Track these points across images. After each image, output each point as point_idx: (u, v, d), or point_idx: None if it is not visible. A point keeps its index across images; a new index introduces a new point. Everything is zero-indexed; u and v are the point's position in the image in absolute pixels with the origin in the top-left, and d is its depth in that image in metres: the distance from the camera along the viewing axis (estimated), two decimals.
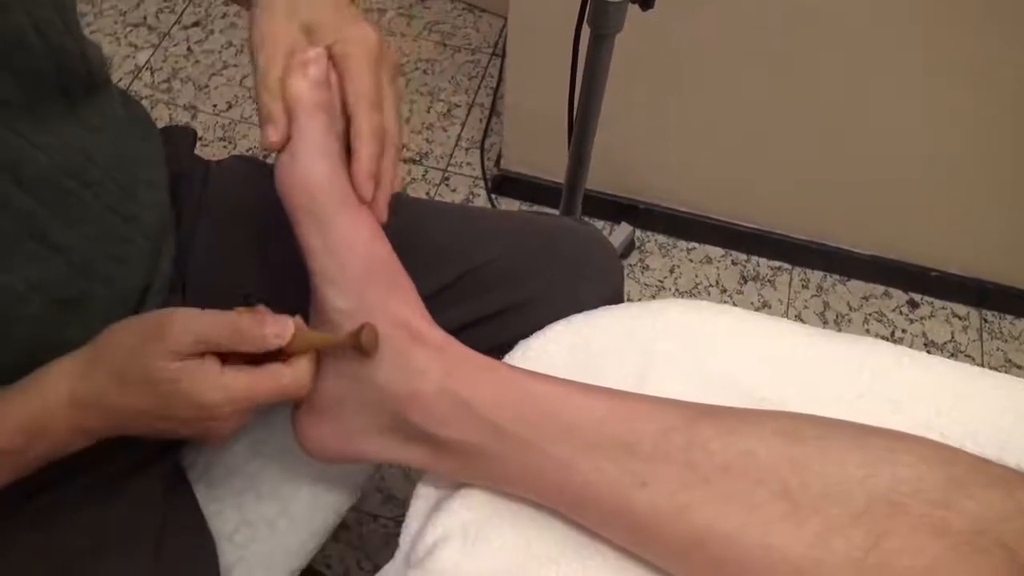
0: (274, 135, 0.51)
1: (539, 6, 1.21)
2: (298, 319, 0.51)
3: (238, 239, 0.69)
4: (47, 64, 0.52)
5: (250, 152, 1.59)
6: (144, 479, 0.62)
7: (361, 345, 0.49)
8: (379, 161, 0.53)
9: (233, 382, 0.48)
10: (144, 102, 1.63)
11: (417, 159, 1.59)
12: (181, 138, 0.73)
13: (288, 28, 0.53)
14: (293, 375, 0.50)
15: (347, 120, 0.53)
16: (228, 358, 0.49)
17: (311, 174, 0.51)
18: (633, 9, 0.84)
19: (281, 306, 0.55)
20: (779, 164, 1.34)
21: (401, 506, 1.24)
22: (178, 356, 0.47)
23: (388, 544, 1.20)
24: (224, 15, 1.79)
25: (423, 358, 0.50)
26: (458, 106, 1.67)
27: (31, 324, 0.53)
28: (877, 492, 0.42)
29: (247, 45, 0.56)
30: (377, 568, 0.55)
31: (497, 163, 1.54)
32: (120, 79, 1.68)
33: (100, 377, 0.49)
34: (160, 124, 0.70)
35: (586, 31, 0.88)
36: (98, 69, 0.58)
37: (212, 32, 1.78)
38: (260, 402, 0.49)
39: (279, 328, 0.49)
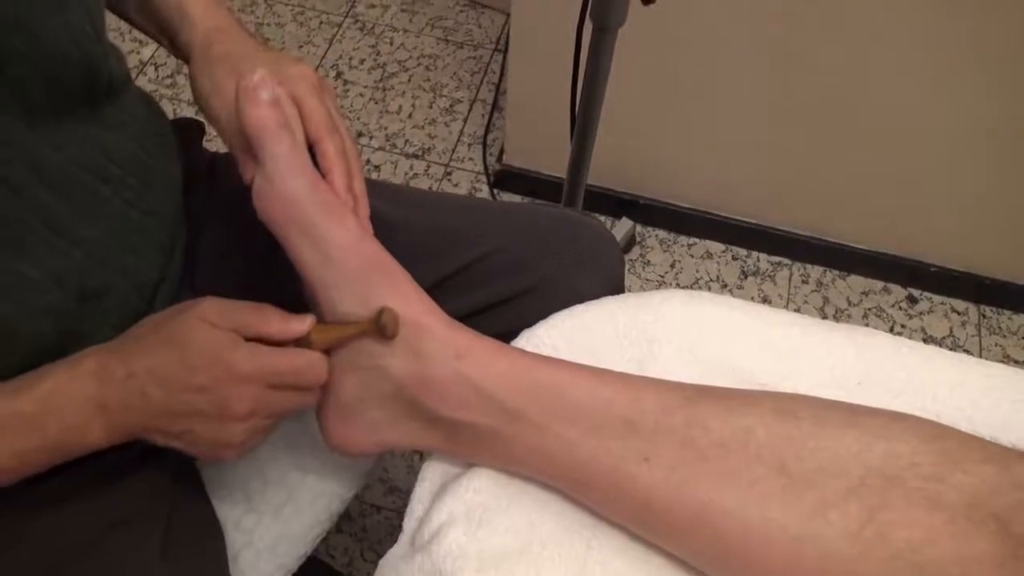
0: (250, 171, 0.54)
1: (541, 1, 1.22)
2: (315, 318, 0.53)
3: (245, 229, 0.70)
4: (78, 71, 0.54)
5: None
6: (152, 466, 0.63)
7: (382, 327, 0.50)
8: (350, 179, 0.55)
9: (255, 348, 0.51)
10: None
11: (419, 154, 1.60)
12: (189, 131, 0.74)
13: (233, 83, 0.55)
14: (310, 358, 0.52)
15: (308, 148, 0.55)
16: None
17: (291, 190, 0.52)
18: (635, 3, 0.85)
19: (292, 293, 0.56)
20: (779, 160, 1.35)
21: (404, 497, 1.25)
22: (208, 323, 0.50)
23: (391, 535, 1.21)
24: (228, 8, 1.80)
25: (433, 345, 0.51)
26: (460, 101, 1.68)
27: (50, 315, 0.54)
28: (872, 466, 0.43)
29: (194, 100, 0.59)
30: (380, 558, 0.56)
31: (499, 158, 1.55)
32: None
33: (129, 342, 0.52)
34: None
35: (588, 25, 0.89)
36: (119, 73, 0.60)
37: None
38: (280, 375, 0.51)
39: (299, 317, 0.52)
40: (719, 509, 0.44)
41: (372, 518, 1.24)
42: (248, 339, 0.51)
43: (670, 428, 0.47)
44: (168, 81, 1.69)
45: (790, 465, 0.44)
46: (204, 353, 0.49)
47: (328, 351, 0.53)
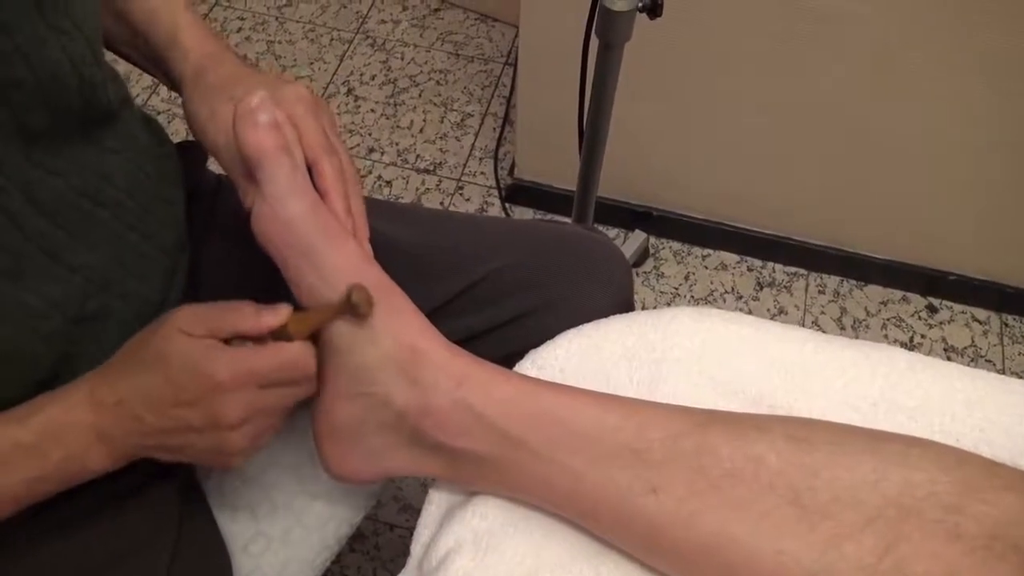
0: (250, 197, 0.53)
1: (550, 16, 1.21)
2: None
3: (248, 252, 0.69)
4: (78, 97, 0.53)
5: None
6: (159, 491, 0.63)
7: (353, 306, 0.49)
8: (348, 199, 0.54)
9: (235, 353, 0.49)
10: (160, 117, 1.65)
11: (431, 169, 1.60)
12: (193, 153, 0.74)
13: (229, 108, 0.54)
14: (292, 351, 0.50)
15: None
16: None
17: (291, 213, 0.51)
18: (642, 18, 0.84)
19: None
20: (793, 169, 1.34)
21: (417, 516, 1.24)
22: (184, 334, 0.49)
23: (405, 554, 1.20)
24: (239, 29, 1.81)
25: (433, 372, 0.51)
26: (471, 116, 1.67)
27: (50, 340, 0.54)
28: (889, 497, 0.41)
29: (189, 128, 0.60)
30: None
31: (511, 172, 1.54)
32: (137, 95, 1.70)
33: (116, 366, 0.51)
34: (175, 139, 0.71)
35: (595, 40, 0.88)
36: (117, 97, 0.59)
37: None
38: (265, 376, 0.50)
39: (273, 309, 0.51)
40: (729, 541, 0.43)
41: (385, 536, 1.23)
42: (229, 339, 0.50)
43: (679, 456, 0.45)
44: (180, 100, 1.70)
45: (804, 495, 0.42)
46: (185, 367, 0.49)
47: (313, 339, 0.52)
